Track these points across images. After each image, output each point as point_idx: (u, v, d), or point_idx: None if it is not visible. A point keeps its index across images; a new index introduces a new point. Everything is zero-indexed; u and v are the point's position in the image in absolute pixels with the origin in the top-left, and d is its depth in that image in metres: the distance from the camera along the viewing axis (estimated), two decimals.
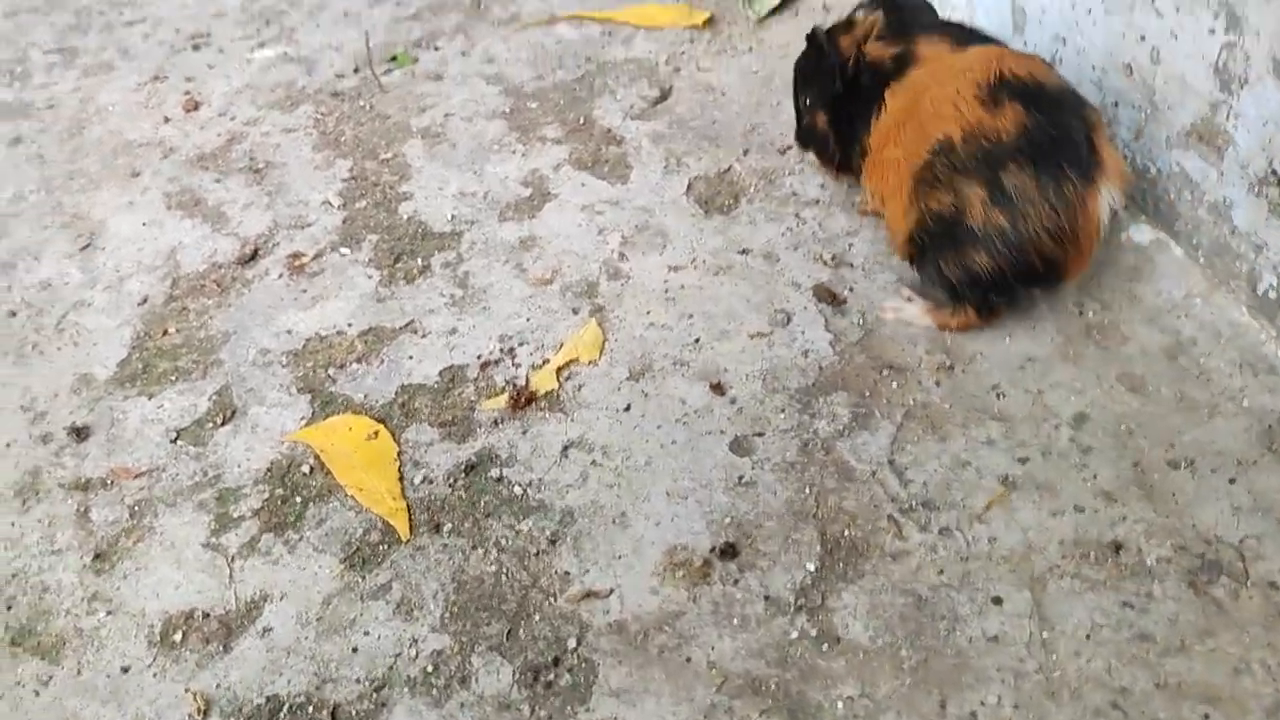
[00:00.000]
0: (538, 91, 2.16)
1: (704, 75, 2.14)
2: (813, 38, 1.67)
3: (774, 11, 2.24)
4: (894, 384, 1.52)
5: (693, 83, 2.13)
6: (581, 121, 2.07)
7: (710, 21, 2.26)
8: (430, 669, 1.25)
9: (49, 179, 2.11)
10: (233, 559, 1.39)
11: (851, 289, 1.67)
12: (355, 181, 2.00)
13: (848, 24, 1.67)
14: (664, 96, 2.10)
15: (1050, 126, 1.42)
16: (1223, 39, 1.41)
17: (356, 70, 2.29)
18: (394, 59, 2.30)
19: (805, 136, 1.78)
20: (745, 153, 1.95)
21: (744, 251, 1.75)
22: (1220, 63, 1.43)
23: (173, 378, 1.66)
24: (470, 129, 2.09)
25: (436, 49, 2.33)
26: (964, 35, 1.60)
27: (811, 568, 1.31)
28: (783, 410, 1.50)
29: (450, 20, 2.41)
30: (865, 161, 1.65)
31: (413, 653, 1.27)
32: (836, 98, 1.66)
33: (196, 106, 2.25)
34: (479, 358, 1.64)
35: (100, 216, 2.00)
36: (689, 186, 1.90)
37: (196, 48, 2.44)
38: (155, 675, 1.28)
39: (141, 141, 2.17)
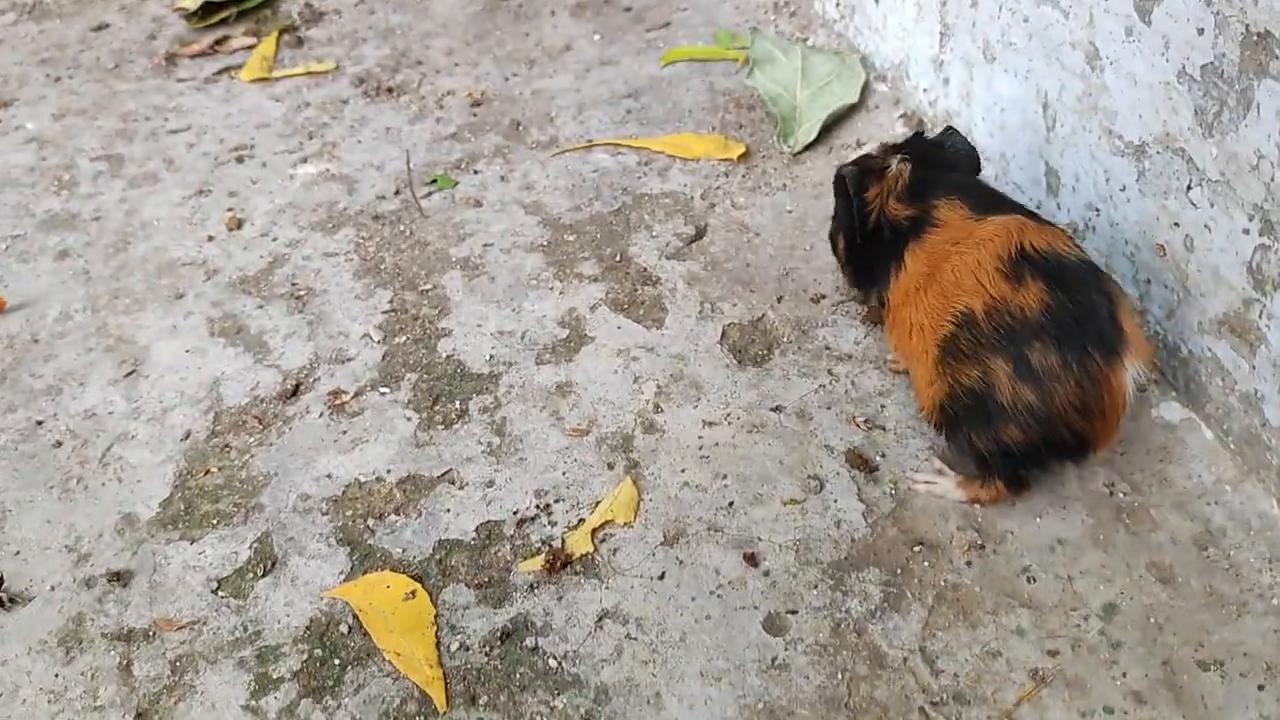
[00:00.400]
0: (575, 223, 2.20)
1: (739, 213, 2.18)
2: (840, 181, 1.70)
3: (809, 147, 2.28)
4: (925, 562, 1.54)
5: (727, 220, 2.17)
6: (618, 259, 2.11)
7: (745, 155, 2.30)
8: None
9: (94, 297, 2.15)
10: None
11: (884, 455, 1.69)
12: (395, 314, 2.04)
13: (881, 171, 1.69)
14: (699, 235, 2.14)
15: (1073, 304, 1.46)
16: (1257, 240, 1.44)
17: (397, 192, 2.33)
18: (434, 181, 2.35)
19: (832, 242, 1.83)
20: (779, 300, 1.98)
21: (777, 409, 1.78)
22: (1254, 263, 1.46)
23: (214, 521, 1.70)
24: (509, 261, 2.13)
25: (476, 172, 2.37)
26: (986, 200, 1.62)
27: None
28: (815, 586, 1.52)
29: (489, 141, 2.46)
30: (886, 313, 1.69)
31: None
32: (856, 243, 1.70)
33: (239, 225, 2.30)
34: (515, 513, 1.67)
35: (144, 341, 2.04)
36: (723, 334, 1.93)
37: (240, 160, 2.49)
38: None
39: (185, 260, 2.22)
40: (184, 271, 2.20)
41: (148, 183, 2.45)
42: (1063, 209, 1.85)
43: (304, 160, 2.47)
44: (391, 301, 2.07)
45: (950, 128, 1.75)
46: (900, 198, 1.65)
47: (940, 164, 1.68)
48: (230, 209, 2.35)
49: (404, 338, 1.99)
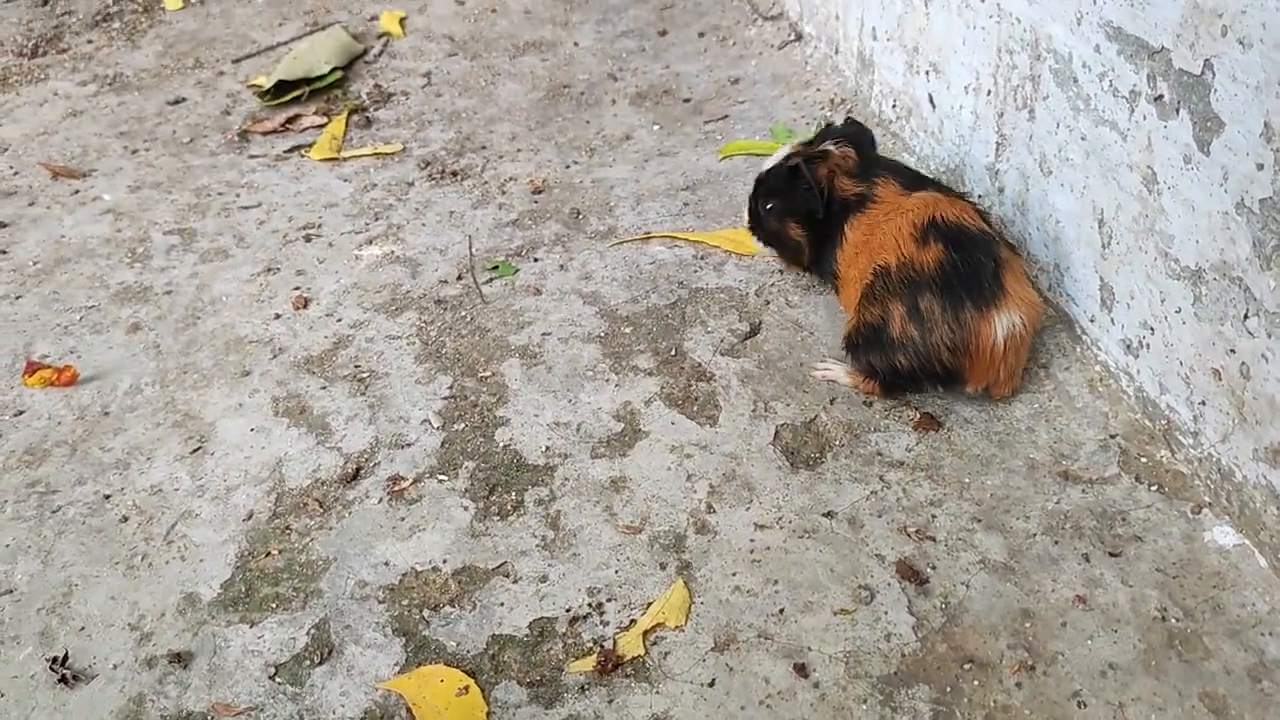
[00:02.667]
0: (632, 315, 2.25)
1: (792, 311, 2.21)
2: (796, 169, 2.00)
3: None
4: (975, 681, 1.54)
5: (781, 319, 2.20)
6: (673, 353, 2.15)
7: None
8: None
9: (164, 371, 2.22)
10: None
11: (934, 567, 1.71)
12: (455, 400, 2.08)
13: (822, 154, 2.00)
14: (753, 332, 2.18)
15: (962, 264, 1.80)
16: None
17: (460, 277, 2.39)
18: (496, 268, 2.40)
19: (769, 238, 2.15)
20: (831, 402, 2.01)
21: (829, 514, 1.80)
22: None
23: (274, 605, 1.73)
24: (567, 351, 2.17)
25: (536, 260, 2.43)
26: (914, 180, 1.97)
27: None
28: (865, 700, 1.53)
29: (550, 229, 2.52)
30: (839, 283, 2.03)
31: None
32: (815, 222, 2.02)
33: (306, 304, 2.36)
34: (568, 611, 1.69)
35: (211, 418, 2.10)
36: (776, 435, 1.96)
37: (308, 239, 2.56)
38: None
39: (253, 338, 2.28)
40: (251, 349, 2.26)
41: (218, 258, 2.53)
42: (1117, 324, 1.87)
43: (369, 241, 2.54)
44: (451, 388, 2.12)
45: (850, 118, 2.12)
46: (849, 175, 1.98)
47: (864, 149, 2.02)
48: (297, 288, 2.42)
49: (463, 425, 2.04)
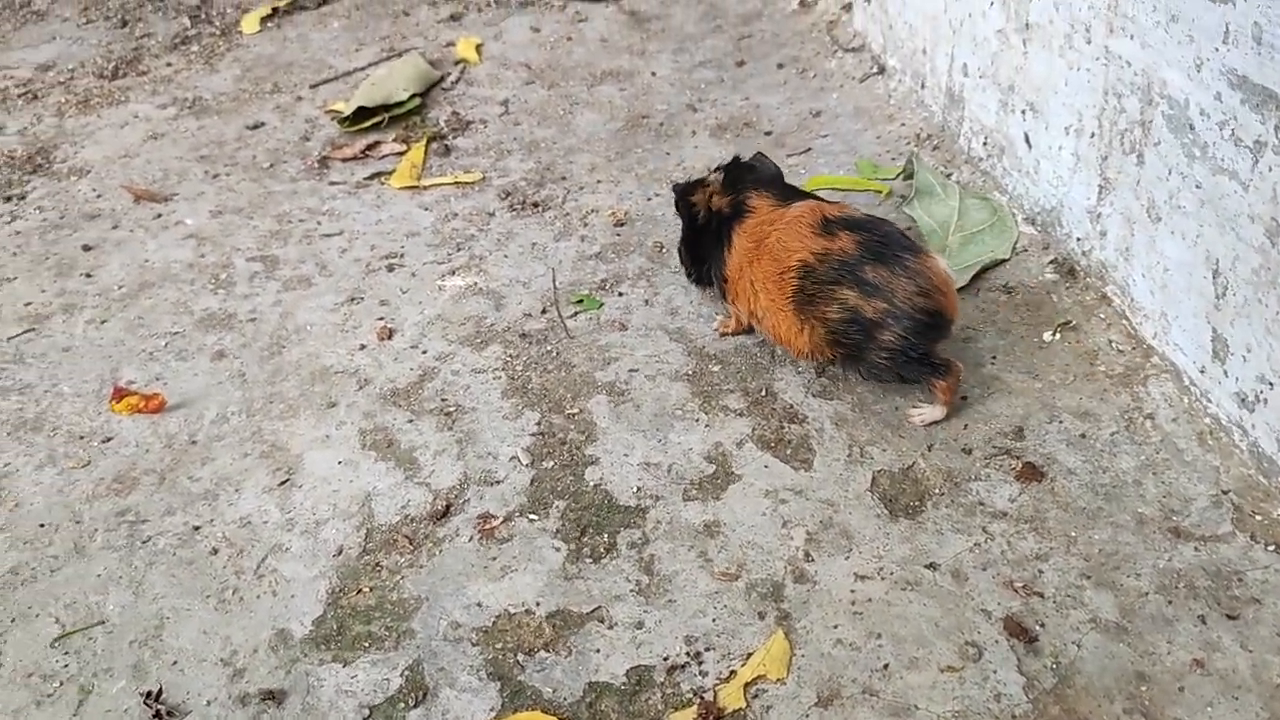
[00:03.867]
0: (719, 353, 2.22)
1: None
2: (674, 194, 2.27)
3: (958, 290, 2.27)
4: None
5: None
6: (763, 393, 2.11)
7: None
8: None
9: (250, 401, 2.22)
10: None
11: (1043, 625, 1.66)
12: (543, 437, 2.06)
13: (701, 182, 2.21)
14: (844, 373, 2.14)
15: (874, 238, 1.93)
16: None
17: (544, 311, 2.38)
18: (580, 302, 2.39)
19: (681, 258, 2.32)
20: (929, 448, 1.97)
21: (931, 566, 1.76)
22: None
23: (366, 644, 1.72)
24: (654, 389, 2.15)
25: (620, 294, 2.41)
26: (786, 191, 2.14)
27: None
28: None
29: (633, 263, 2.50)
30: (726, 287, 2.14)
31: None
32: (690, 237, 2.23)
33: (390, 335, 2.36)
34: (666, 659, 1.66)
35: (298, 450, 2.09)
36: (873, 481, 1.92)
37: (390, 269, 2.56)
38: None
39: (338, 369, 2.28)
40: (337, 379, 2.25)
41: (301, 286, 2.53)
42: (1230, 376, 1.82)
43: (452, 272, 2.53)
44: (539, 424, 2.10)
45: (759, 154, 2.26)
46: (719, 194, 2.14)
47: (751, 174, 2.16)
48: (381, 318, 2.41)
49: (551, 463, 2.02)
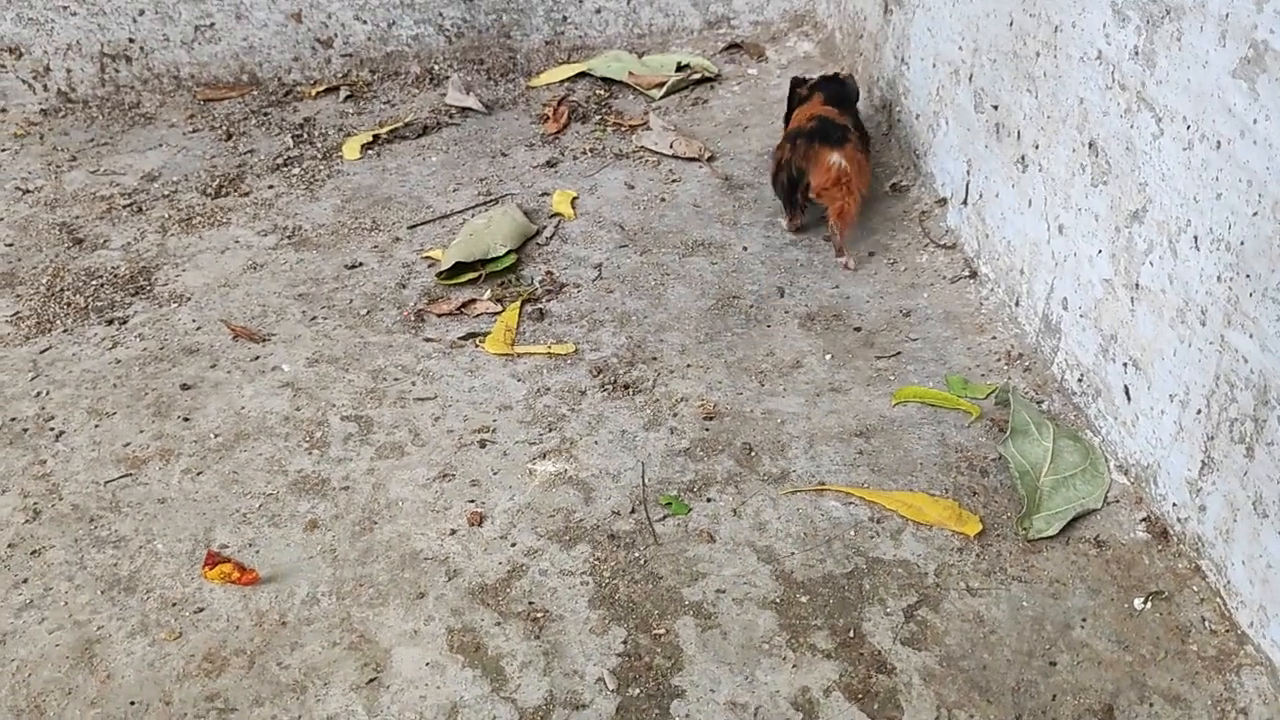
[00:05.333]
0: (808, 582, 2.24)
1: (974, 601, 2.19)
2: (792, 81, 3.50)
3: (1047, 537, 2.29)
4: None
5: (962, 608, 2.18)
6: (851, 634, 2.13)
7: (981, 532, 2.32)
8: None
9: (340, 581, 2.25)
10: None
11: None
12: (629, 659, 2.08)
13: (804, 81, 3.45)
14: (934, 619, 2.15)
15: (821, 124, 3.15)
16: None
17: (633, 511, 2.41)
18: (669, 505, 2.42)
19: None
20: (1018, 718, 1.97)
21: None
22: None
23: None
24: (741, 616, 2.16)
25: (709, 500, 2.44)
26: (835, 99, 3.31)
27: None
28: None
29: (722, 464, 2.53)
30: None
31: None
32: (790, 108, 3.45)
33: (481, 521, 2.39)
34: None
35: (386, 643, 2.12)
36: None
37: (482, 444, 2.60)
38: None
39: (428, 554, 2.31)
40: (426, 566, 2.28)
41: (394, 455, 2.57)
42: None
43: (543, 455, 2.57)
44: (625, 643, 2.12)
45: (851, 75, 3.59)
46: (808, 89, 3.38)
47: (834, 83, 3.39)
48: (472, 500, 2.45)
49: (638, 690, 2.03)
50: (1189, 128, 2.01)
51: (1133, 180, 2.23)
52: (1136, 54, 2.17)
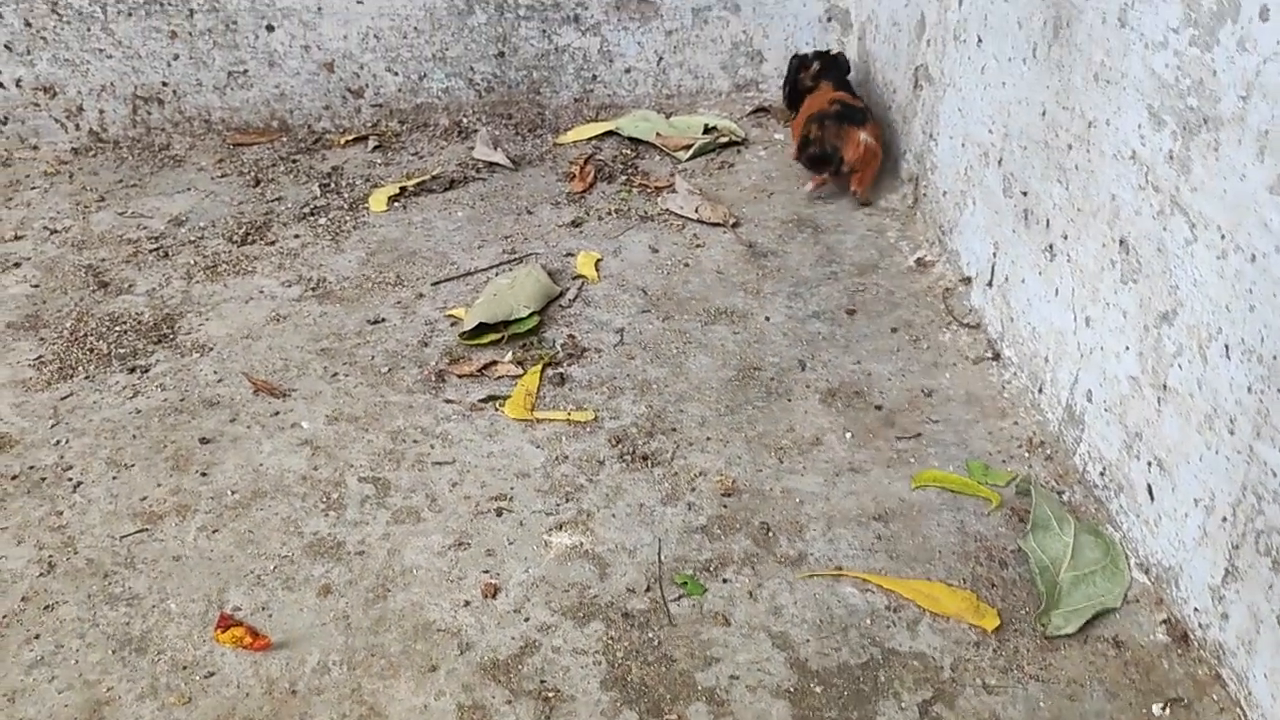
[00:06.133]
0: (822, 671, 2.22)
1: (990, 699, 2.16)
2: (794, 61, 4.13)
3: (1065, 635, 2.27)
4: None
5: (978, 705, 2.15)
6: None
7: (998, 627, 2.30)
8: None
9: (352, 651, 2.24)
10: None
11: None
12: None
13: (806, 64, 4.10)
14: (949, 717, 2.13)
15: (844, 110, 3.76)
16: None
17: (648, 589, 2.39)
18: (685, 585, 2.40)
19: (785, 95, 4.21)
20: None
21: None
22: None
23: None
24: (755, 704, 2.14)
25: (725, 581, 2.42)
26: (840, 85, 3.99)
27: None
28: None
29: (739, 544, 2.52)
30: (792, 119, 4.10)
31: None
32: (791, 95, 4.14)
33: (495, 592, 2.38)
34: None
35: (396, 718, 2.10)
36: None
37: (499, 513, 2.59)
38: None
39: (441, 625, 2.30)
40: (439, 639, 2.27)
41: (411, 520, 2.57)
42: None
43: (559, 526, 2.56)
44: None
45: (841, 53, 4.16)
46: (812, 78, 4.03)
47: (833, 64, 4.05)
48: (487, 570, 2.44)
49: None
50: (1224, 237, 2.01)
51: (1164, 282, 2.23)
52: (1171, 158, 2.18)
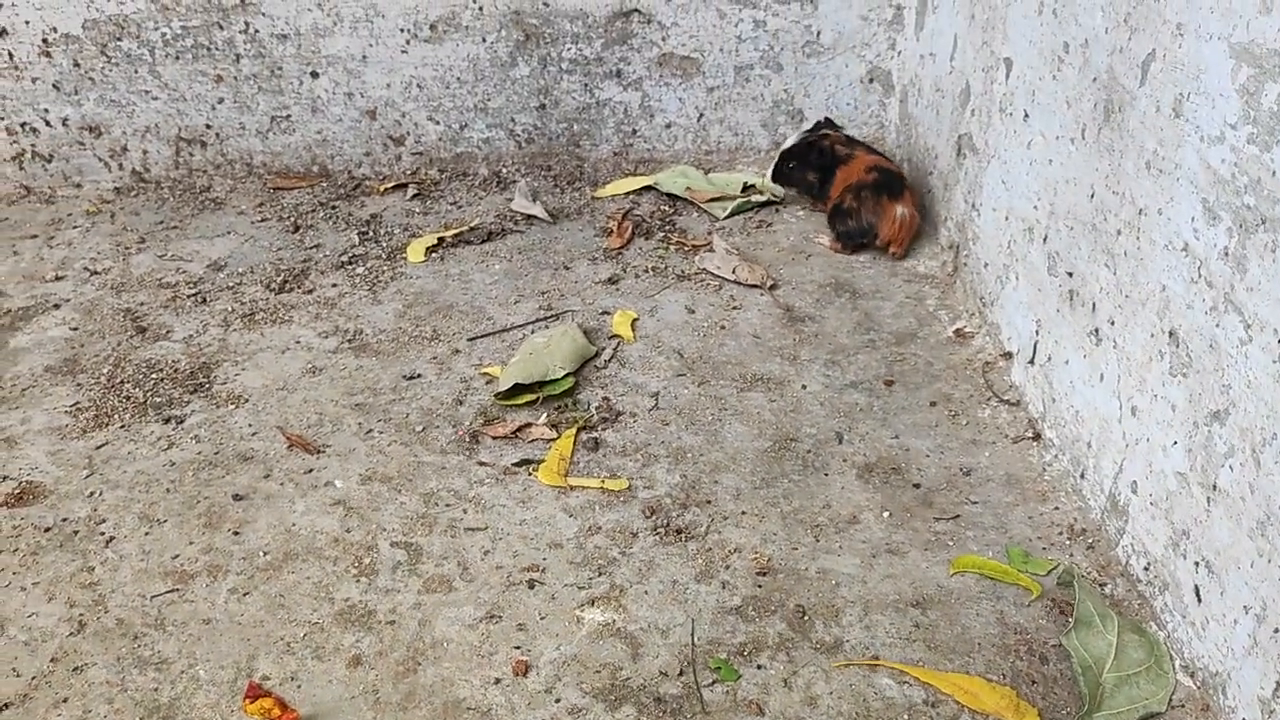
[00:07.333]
0: None
1: None
2: (815, 141, 3.93)
3: None
4: None
5: None
6: None
7: None
8: None
9: None
10: None
11: None
12: None
13: (824, 135, 3.95)
14: None
15: (882, 179, 3.75)
16: None
17: (680, 673, 2.36)
18: (718, 669, 2.36)
19: (788, 179, 4.09)
20: None
21: None
22: None
23: None
24: None
25: (759, 667, 2.38)
26: (867, 150, 3.93)
27: None
28: None
29: (774, 628, 2.48)
30: (826, 202, 3.95)
31: None
32: (822, 167, 3.94)
33: (526, 670, 2.35)
34: None
35: None
36: None
37: (531, 585, 2.57)
38: None
39: (471, 704, 2.27)
40: (468, 717, 2.24)
41: (442, 589, 2.55)
42: None
43: (592, 602, 2.53)
44: None
45: (830, 120, 4.09)
46: (840, 144, 3.91)
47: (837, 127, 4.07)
48: (518, 646, 2.41)
49: None
50: None
51: (1215, 380, 2.19)
52: (1226, 255, 2.14)
